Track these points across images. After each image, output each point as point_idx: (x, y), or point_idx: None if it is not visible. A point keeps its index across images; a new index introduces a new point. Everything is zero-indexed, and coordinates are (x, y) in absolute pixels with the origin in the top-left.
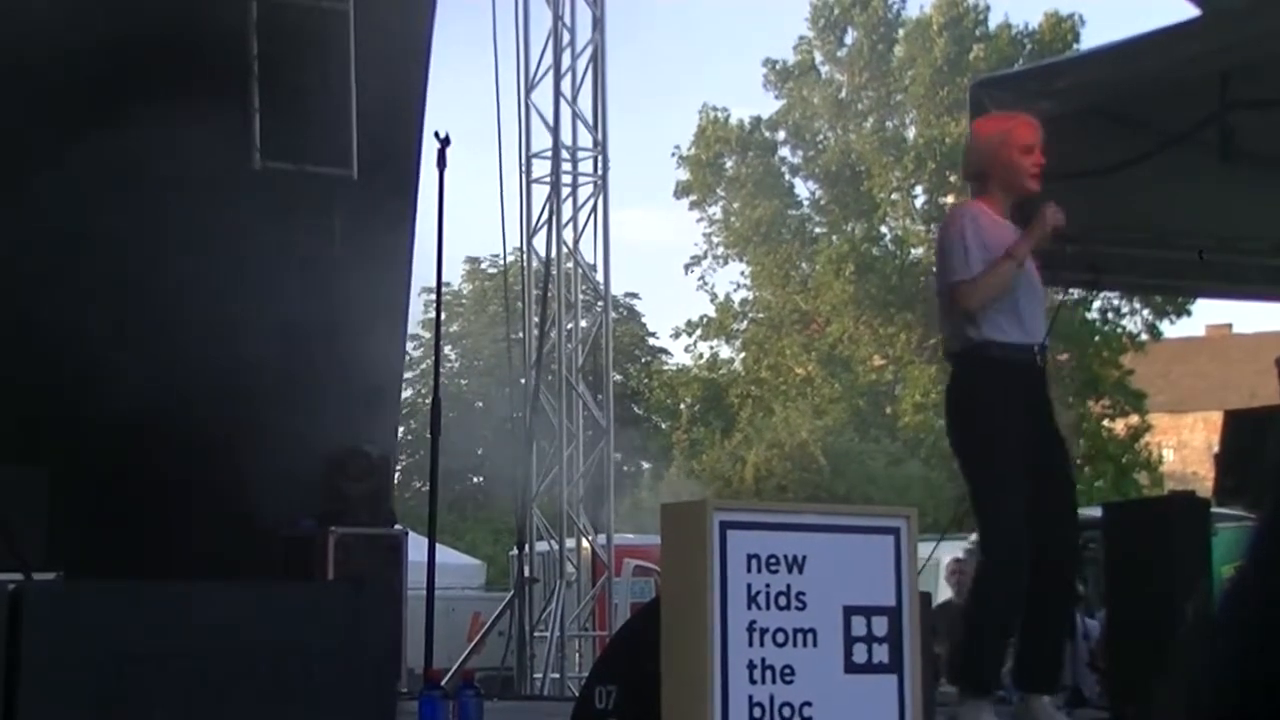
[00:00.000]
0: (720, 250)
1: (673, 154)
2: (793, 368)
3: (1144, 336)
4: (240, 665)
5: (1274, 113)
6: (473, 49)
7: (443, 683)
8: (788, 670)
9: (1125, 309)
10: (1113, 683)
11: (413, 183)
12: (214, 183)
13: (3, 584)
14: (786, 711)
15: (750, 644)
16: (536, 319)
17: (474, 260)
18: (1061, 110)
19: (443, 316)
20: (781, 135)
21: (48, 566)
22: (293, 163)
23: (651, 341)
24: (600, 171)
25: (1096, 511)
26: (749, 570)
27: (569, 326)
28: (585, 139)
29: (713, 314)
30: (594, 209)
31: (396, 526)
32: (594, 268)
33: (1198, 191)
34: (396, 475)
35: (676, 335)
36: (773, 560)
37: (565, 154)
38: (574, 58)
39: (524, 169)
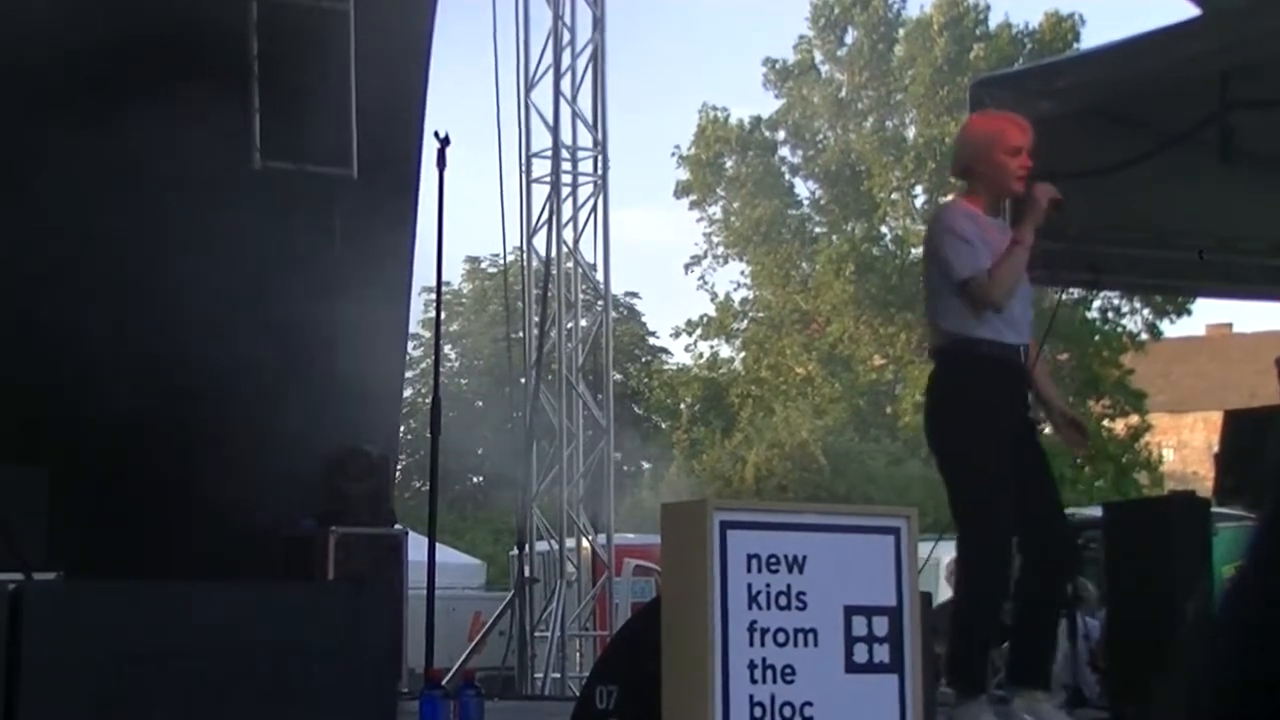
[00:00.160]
0: (720, 250)
1: (673, 153)
2: (793, 367)
3: (1144, 336)
4: (240, 665)
5: (1274, 113)
6: (473, 49)
7: (443, 682)
8: (788, 670)
9: (1125, 308)
10: (1113, 683)
11: (413, 182)
12: (214, 182)
13: (3, 584)
14: (787, 711)
15: (751, 644)
16: (536, 318)
17: (474, 260)
18: (1061, 110)
19: (443, 316)
20: (781, 135)
21: (48, 566)
22: (293, 162)
23: (652, 341)
24: (600, 171)
25: (1097, 511)
26: (749, 570)
27: (569, 326)
28: (585, 138)
29: (713, 313)
30: (594, 208)
31: (397, 526)
32: (594, 267)
33: (1198, 191)
34: (397, 475)
35: (676, 335)
36: (773, 560)
37: (565, 153)
38: (574, 57)
39: (524, 169)
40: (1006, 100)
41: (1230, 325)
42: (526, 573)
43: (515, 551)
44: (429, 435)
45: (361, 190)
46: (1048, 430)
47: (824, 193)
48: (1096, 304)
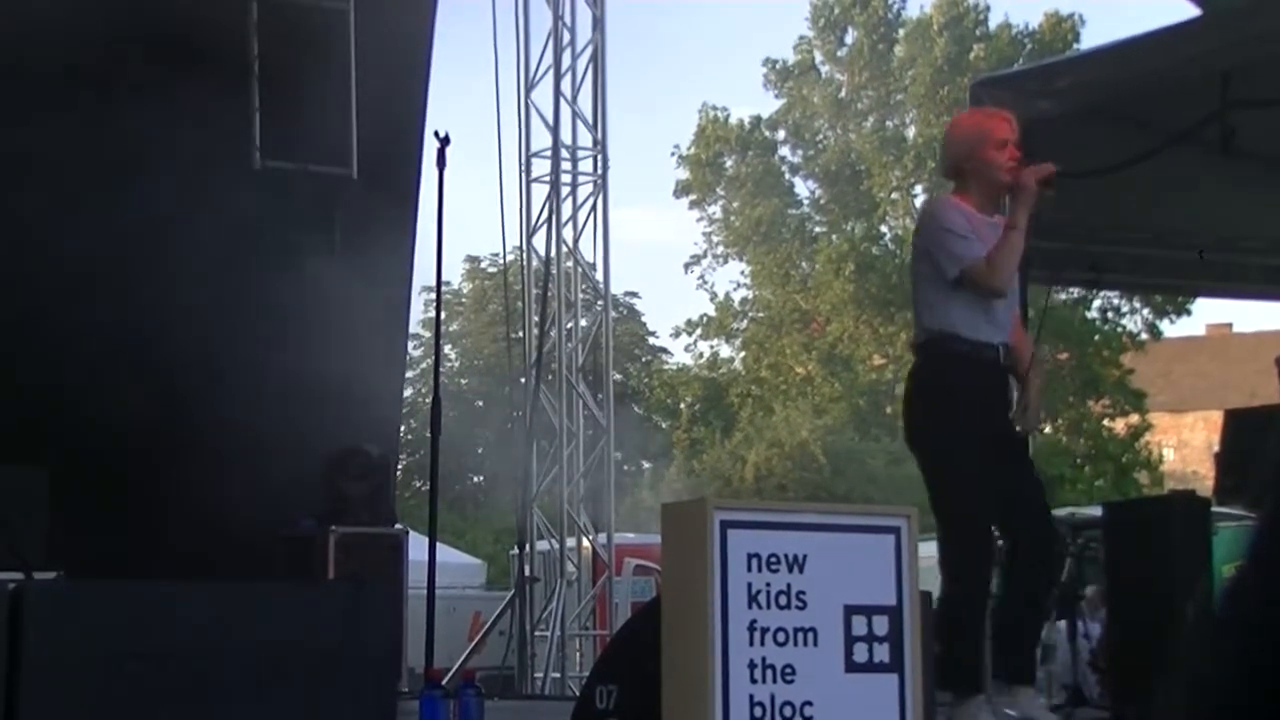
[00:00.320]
0: (720, 249)
1: (672, 153)
2: (793, 367)
3: (1144, 336)
4: (240, 665)
5: (1275, 112)
6: (473, 48)
7: (444, 682)
8: (788, 669)
9: (1125, 308)
10: (1113, 683)
11: (413, 182)
12: (214, 182)
13: (3, 583)
14: (787, 711)
15: (751, 643)
16: (536, 318)
17: (474, 259)
18: (1061, 110)
19: (443, 316)
20: (781, 135)
21: (48, 566)
22: (293, 162)
23: (651, 341)
24: (600, 171)
25: (1097, 511)
26: (749, 569)
27: (569, 326)
28: (585, 138)
29: (713, 313)
30: (594, 208)
31: (397, 526)
32: (594, 267)
33: (1198, 191)
34: (397, 475)
35: (676, 334)
36: (773, 559)
37: (565, 153)
38: (574, 57)
39: (524, 168)
40: (1007, 100)
41: (1230, 325)
42: (527, 572)
43: (515, 551)
44: (429, 435)
45: (361, 190)
46: (1047, 429)
47: (824, 192)
48: (1096, 304)
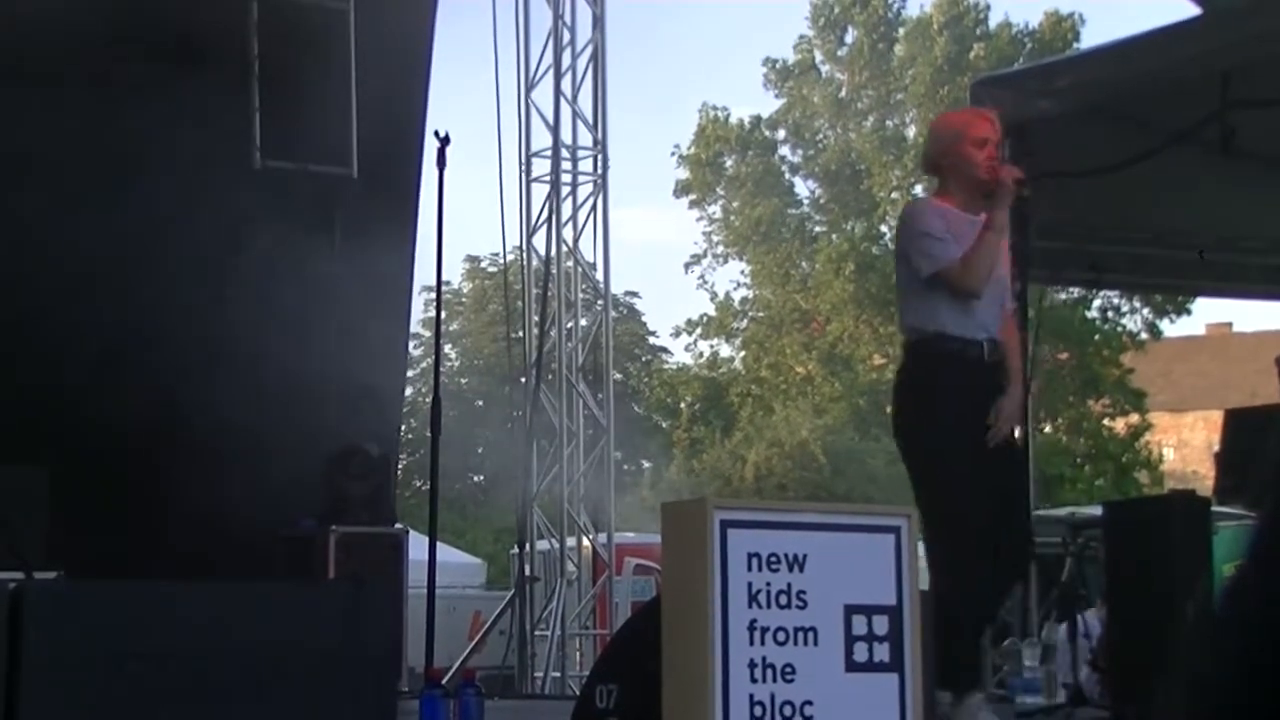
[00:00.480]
0: (720, 249)
1: (672, 153)
2: (793, 366)
3: (1144, 335)
4: (240, 664)
5: (1275, 112)
6: (473, 48)
7: (443, 681)
8: (788, 669)
9: (1125, 308)
10: (1113, 682)
11: (413, 182)
12: (214, 182)
13: (4, 583)
14: (787, 710)
15: (751, 643)
16: (536, 318)
17: (474, 259)
18: (1061, 109)
19: (443, 315)
20: (781, 134)
21: (48, 566)
22: (293, 162)
23: (652, 340)
24: (600, 170)
25: (1097, 510)
26: (750, 569)
27: (569, 325)
28: (585, 138)
29: (713, 313)
30: (594, 208)
31: (397, 525)
32: (594, 266)
33: (1198, 191)
34: (397, 474)
35: (676, 334)
36: (773, 559)
37: (565, 153)
38: (574, 57)
39: (524, 168)
40: (1007, 99)
41: (1230, 324)
42: (527, 572)
43: (515, 550)
44: (429, 434)
45: (361, 190)
46: (1047, 430)
47: (824, 192)
48: (1097, 303)
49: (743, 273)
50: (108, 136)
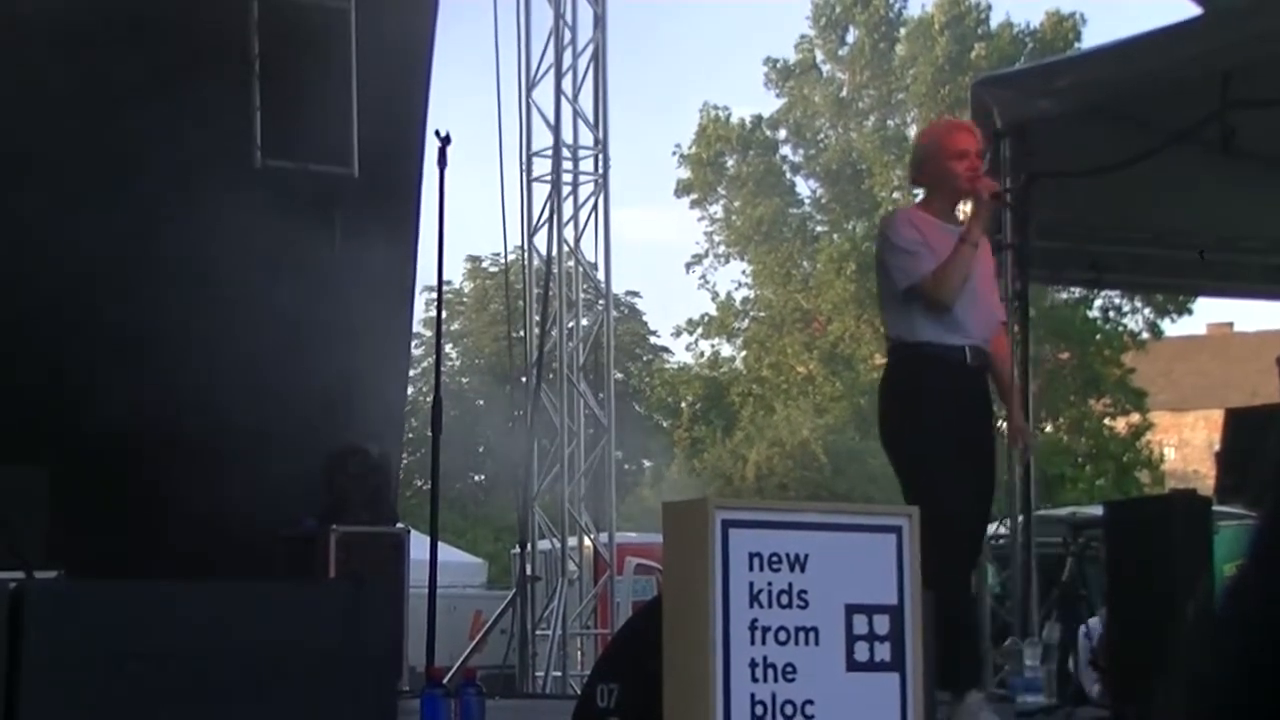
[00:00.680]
0: (721, 249)
1: (674, 152)
2: (794, 366)
3: (1145, 335)
4: (241, 664)
5: (1275, 112)
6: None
7: (444, 681)
8: (789, 669)
9: (1126, 308)
10: (1113, 682)
11: (414, 181)
12: (215, 181)
13: (4, 582)
14: (788, 710)
15: (752, 642)
16: (538, 317)
17: (475, 259)
18: (1062, 109)
19: (444, 315)
20: (783, 134)
21: (48, 565)
22: (293, 161)
23: (653, 340)
24: (601, 170)
25: (1098, 510)
26: (751, 569)
27: (570, 325)
28: (586, 137)
29: (714, 312)
30: (595, 207)
31: (398, 525)
32: (595, 266)
33: (1199, 191)
34: (399, 473)
35: (678, 334)
36: (774, 559)
37: (566, 152)
38: (575, 56)
39: (525, 167)
40: (1008, 99)
41: (1231, 324)
42: (528, 571)
43: (516, 550)
44: (430, 433)
45: (362, 189)
46: (1048, 429)
47: (825, 192)
48: (1098, 303)
49: (744, 272)
50: (108, 136)
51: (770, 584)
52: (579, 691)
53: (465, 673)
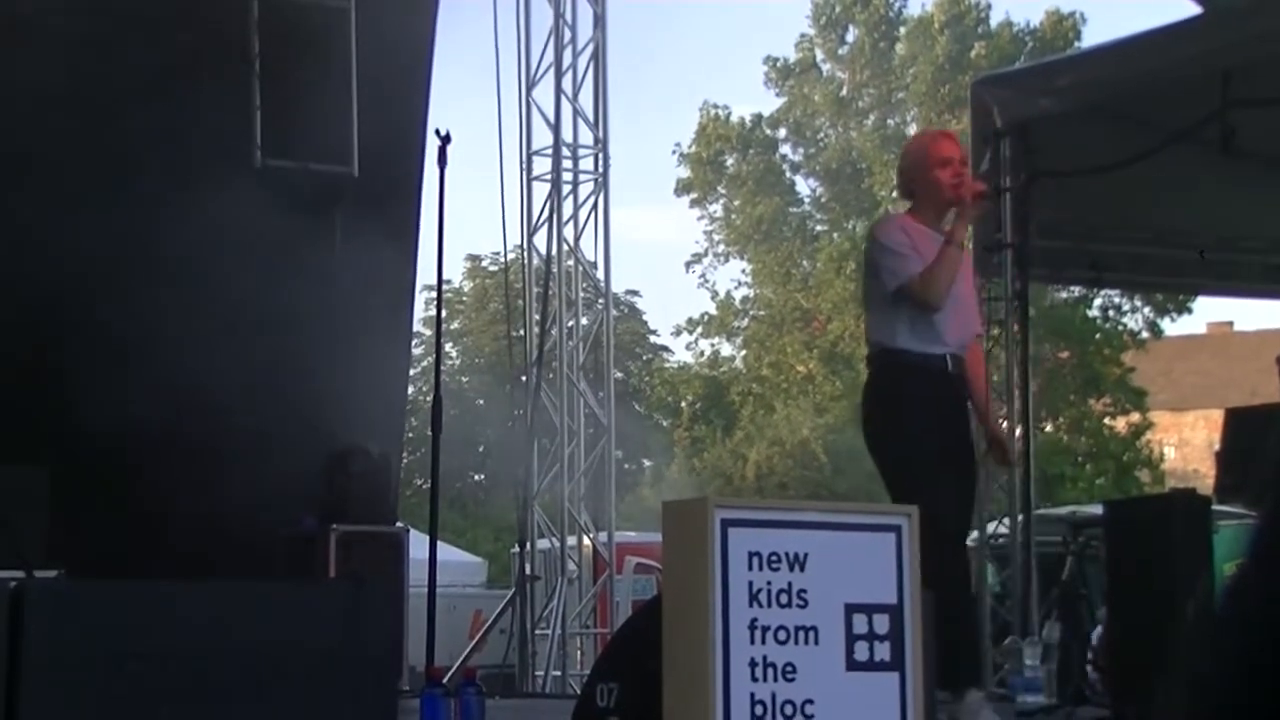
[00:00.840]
0: (721, 248)
1: (674, 151)
2: (794, 365)
3: (1145, 334)
4: (241, 663)
5: (1275, 112)
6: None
7: (444, 680)
8: (789, 668)
9: (1126, 307)
10: (1113, 682)
11: (414, 180)
12: (215, 181)
13: (4, 582)
14: (788, 709)
15: (752, 642)
16: (537, 316)
17: (475, 258)
18: (1063, 108)
19: (444, 314)
20: (782, 133)
21: (49, 565)
22: (294, 161)
23: (652, 339)
24: (601, 169)
25: (1098, 509)
26: (750, 568)
27: (570, 324)
28: (586, 136)
29: (714, 312)
30: (595, 206)
31: (398, 524)
32: (595, 265)
33: (1199, 190)
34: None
35: (677, 333)
36: (774, 558)
37: (566, 151)
38: (575, 55)
39: (525, 166)
40: (1008, 98)
41: (1231, 323)
42: (527, 570)
43: (516, 549)
44: (430, 433)
45: (362, 188)
46: (1048, 429)
47: (825, 191)
48: (1098, 302)
49: (744, 271)
50: (108, 136)
51: (770, 583)
52: (579, 691)
53: (465, 672)
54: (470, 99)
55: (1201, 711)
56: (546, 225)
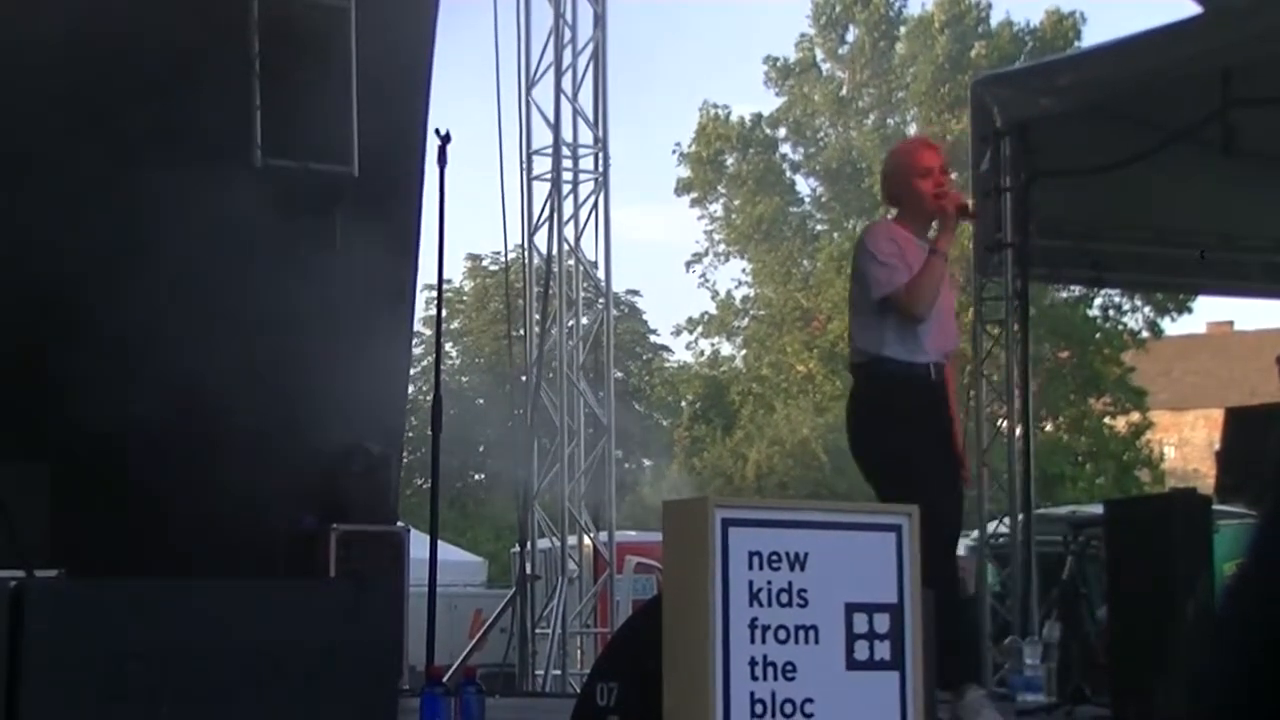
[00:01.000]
0: (721, 247)
1: (674, 151)
2: (794, 365)
3: (1145, 334)
4: (241, 663)
5: (1275, 111)
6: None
7: (444, 680)
8: (789, 667)
9: (1127, 306)
10: (1113, 681)
11: (414, 180)
12: (215, 180)
13: (5, 581)
14: (788, 708)
15: (752, 641)
16: (538, 316)
17: (475, 257)
18: (1063, 108)
19: (444, 314)
20: (782, 132)
21: (49, 564)
22: (294, 160)
23: (653, 339)
24: (601, 168)
25: (1098, 509)
26: (750, 567)
27: (570, 324)
28: (586, 136)
29: (714, 311)
30: (595, 206)
31: (398, 524)
32: (595, 265)
33: (1199, 189)
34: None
35: (677, 332)
36: (774, 557)
37: (566, 151)
38: (575, 55)
39: (525, 166)
40: (1008, 98)
41: (1231, 323)
42: (528, 570)
43: (516, 549)
44: (430, 432)
45: (362, 188)
46: (1048, 428)
47: (825, 190)
48: (1098, 302)
49: (744, 271)
50: (108, 136)
51: (770, 582)
52: (579, 690)
53: (465, 671)
54: (470, 99)
55: (1201, 711)
56: (547, 225)
